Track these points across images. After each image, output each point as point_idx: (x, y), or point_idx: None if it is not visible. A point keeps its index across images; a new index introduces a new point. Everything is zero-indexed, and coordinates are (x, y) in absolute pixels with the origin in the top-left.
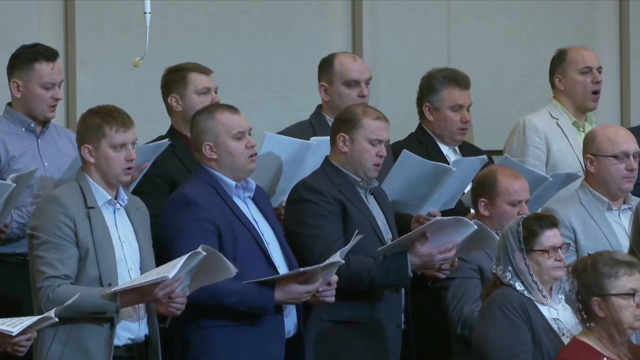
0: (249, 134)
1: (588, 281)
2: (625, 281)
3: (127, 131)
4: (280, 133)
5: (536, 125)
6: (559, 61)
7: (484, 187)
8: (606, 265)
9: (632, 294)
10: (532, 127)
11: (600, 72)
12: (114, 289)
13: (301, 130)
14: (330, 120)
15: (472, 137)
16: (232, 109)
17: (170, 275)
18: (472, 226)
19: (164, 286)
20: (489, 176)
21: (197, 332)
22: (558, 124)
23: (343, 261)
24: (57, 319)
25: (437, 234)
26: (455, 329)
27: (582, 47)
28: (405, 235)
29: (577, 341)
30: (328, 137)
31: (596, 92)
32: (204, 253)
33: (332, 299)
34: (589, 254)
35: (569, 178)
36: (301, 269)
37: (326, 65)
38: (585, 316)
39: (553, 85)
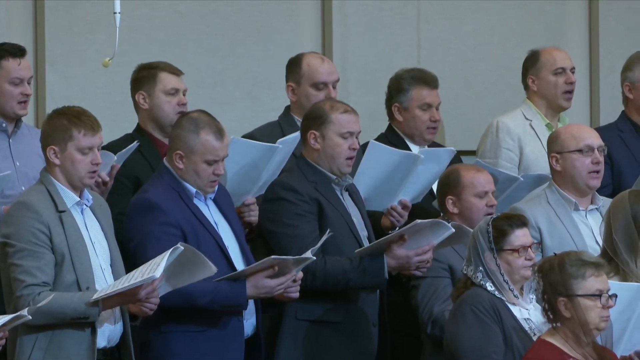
0: (222, 161)
1: (555, 281)
2: (592, 282)
3: (95, 135)
4: (249, 134)
5: (509, 127)
6: (532, 62)
7: (448, 184)
8: (573, 266)
9: (598, 295)
10: (506, 129)
11: (573, 73)
12: (98, 295)
13: (270, 131)
14: (299, 120)
15: (443, 137)
16: (218, 132)
17: (158, 275)
18: (449, 229)
19: (147, 286)
20: (452, 173)
21: (158, 337)
22: (531, 126)
23: (314, 258)
24: (30, 317)
25: (414, 236)
26: (425, 328)
27: (555, 48)
28: (382, 238)
29: (542, 341)
30: (291, 136)
31: (569, 92)
32: (182, 248)
33: (297, 294)
34: (555, 254)
35: (540, 179)
36: (272, 257)
37: (294, 66)
38: (551, 316)
39: (526, 87)
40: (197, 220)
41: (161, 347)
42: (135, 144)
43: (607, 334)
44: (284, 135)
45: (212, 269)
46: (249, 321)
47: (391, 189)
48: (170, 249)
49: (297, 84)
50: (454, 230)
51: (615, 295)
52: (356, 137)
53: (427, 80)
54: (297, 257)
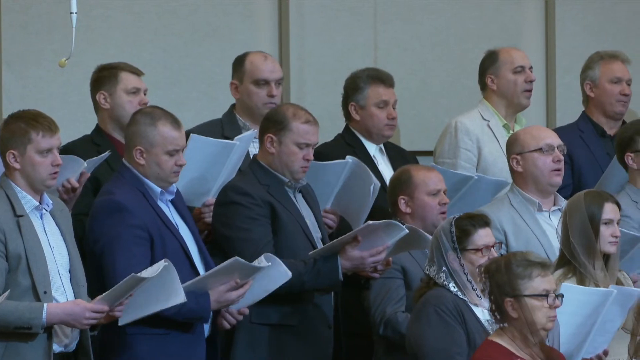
0: (182, 151)
1: (501, 282)
2: (539, 282)
3: (53, 136)
4: (190, 131)
5: (468, 127)
6: (490, 62)
7: (400, 184)
8: (520, 266)
9: (545, 295)
10: (464, 129)
11: (531, 71)
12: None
13: (210, 129)
14: (240, 120)
15: (399, 137)
16: (175, 122)
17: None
18: (403, 229)
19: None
20: (403, 173)
21: (121, 338)
22: (489, 127)
23: (269, 264)
24: None
25: (368, 237)
26: (377, 329)
27: (513, 47)
28: (337, 240)
29: (489, 342)
30: (247, 133)
31: (529, 90)
32: (165, 264)
33: (227, 326)
34: (502, 255)
35: (499, 185)
36: (236, 258)
37: (238, 64)
38: (498, 316)
39: (484, 87)
40: (162, 222)
41: (125, 349)
42: (107, 154)
43: (554, 334)
44: (223, 133)
45: (182, 296)
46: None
47: (325, 194)
48: (131, 278)
49: (240, 81)
50: (407, 231)
51: (562, 295)
52: (312, 148)
53: (382, 78)
54: (256, 265)
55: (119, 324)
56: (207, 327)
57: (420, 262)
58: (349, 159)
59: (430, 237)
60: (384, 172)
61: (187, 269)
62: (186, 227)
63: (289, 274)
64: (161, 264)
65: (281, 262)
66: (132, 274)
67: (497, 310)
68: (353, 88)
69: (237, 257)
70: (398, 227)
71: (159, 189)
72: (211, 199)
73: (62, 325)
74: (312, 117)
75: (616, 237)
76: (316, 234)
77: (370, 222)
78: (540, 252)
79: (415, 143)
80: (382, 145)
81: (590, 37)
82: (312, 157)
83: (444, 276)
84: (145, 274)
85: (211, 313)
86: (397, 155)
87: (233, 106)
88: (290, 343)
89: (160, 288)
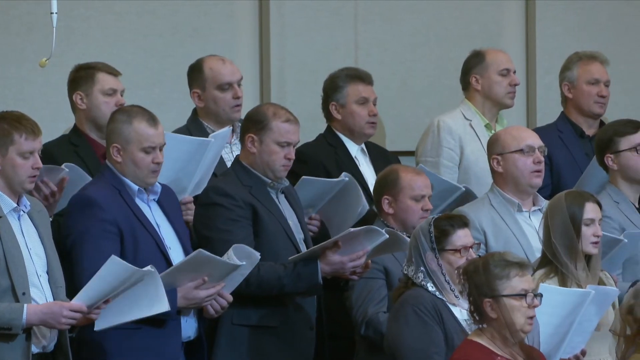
0: (160, 150)
1: (480, 282)
2: (517, 282)
3: (36, 139)
4: None
5: (450, 126)
6: (476, 61)
7: (386, 184)
8: (497, 267)
9: (523, 295)
10: (447, 128)
11: (515, 75)
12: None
13: None
14: (207, 126)
15: (380, 137)
16: (152, 119)
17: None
18: (384, 235)
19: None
20: (391, 173)
21: (93, 334)
22: (471, 126)
23: (244, 264)
24: None
25: (349, 242)
26: (359, 329)
27: (499, 50)
28: (317, 246)
29: (469, 341)
30: (222, 130)
31: (512, 92)
32: (151, 270)
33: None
34: (479, 255)
35: None
36: (199, 250)
37: (196, 72)
38: (477, 317)
39: (466, 86)
40: (136, 219)
41: (97, 344)
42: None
43: (533, 334)
44: None
45: (166, 305)
46: (189, 322)
47: (315, 203)
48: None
49: (202, 89)
50: (387, 236)
51: (541, 295)
52: (293, 147)
53: (361, 76)
54: (225, 260)
55: (95, 329)
56: (189, 328)
57: (402, 263)
58: (345, 177)
59: (409, 240)
60: (365, 173)
61: (162, 266)
62: (170, 227)
63: (257, 255)
64: (147, 269)
65: (246, 247)
66: (113, 256)
67: (476, 311)
68: (332, 88)
69: (200, 250)
70: (378, 233)
71: (136, 187)
72: (187, 197)
73: (42, 326)
74: (293, 116)
75: (598, 236)
76: (299, 235)
77: (351, 229)
78: (520, 252)
79: (396, 143)
80: (364, 146)
81: (571, 38)
82: (293, 156)
83: (422, 276)
84: (130, 265)
85: (195, 318)
86: (379, 156)
87: (195, 112)
88: (271, 344)
89: (143, 295)
